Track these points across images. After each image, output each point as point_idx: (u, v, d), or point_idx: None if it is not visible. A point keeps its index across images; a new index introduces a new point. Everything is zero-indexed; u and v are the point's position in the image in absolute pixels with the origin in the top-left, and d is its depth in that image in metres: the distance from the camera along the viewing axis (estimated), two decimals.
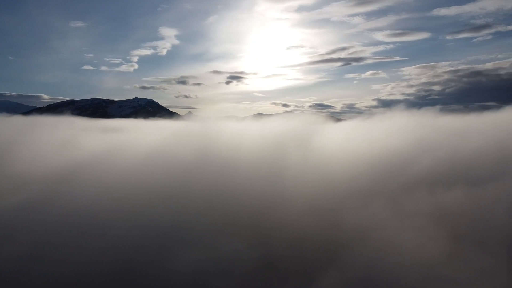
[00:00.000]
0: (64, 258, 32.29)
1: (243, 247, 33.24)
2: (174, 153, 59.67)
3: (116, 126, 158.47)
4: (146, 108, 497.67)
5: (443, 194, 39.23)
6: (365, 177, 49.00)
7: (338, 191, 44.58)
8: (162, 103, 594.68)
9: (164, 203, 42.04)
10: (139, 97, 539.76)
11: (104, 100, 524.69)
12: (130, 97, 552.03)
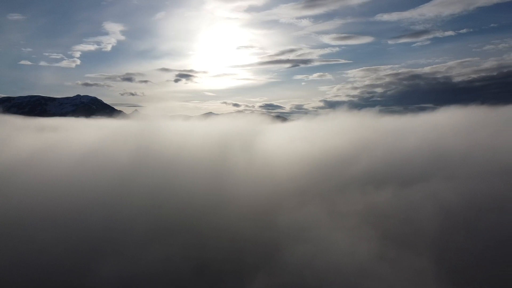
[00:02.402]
0: None
1: (177, 250, 32.24)
2: (112, 154, 57.27)
3: (54, 125, 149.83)
4: (89, 106, 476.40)
5: (376, 194, 40.35)
6: (305, 177, 49.55)
7: (278, 191, 44.52)
8: (106, 100, 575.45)
9: (98, 205, 40.34)
10: (82, 94, 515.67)
11: (43, 97, 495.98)
12: (71, 94, 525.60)
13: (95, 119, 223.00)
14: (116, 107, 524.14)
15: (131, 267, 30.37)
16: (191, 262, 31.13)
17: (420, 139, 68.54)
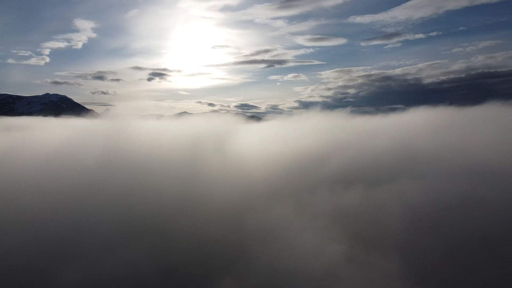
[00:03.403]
0: None
1: (143, 254, 31.49)
2: (79, 155, 55.60)
3: (21, 125, 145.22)
4: (59, 105, 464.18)
5: (345, 195, 40.49)
6: (276, 178, 49.37)
7: (248, 192, 44.19)
8: (76, 99, 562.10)
9: (63, 207, 39.22)
10: (51, 93, 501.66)
11: (10, 96, 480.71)
12: (40, 93, 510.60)
13: (64, 119, 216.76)
14: (87, 106, 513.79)
15: (95, 271, 29.51)
16: (158, 266, 30.53)
17: (390, 139, 69.48)
